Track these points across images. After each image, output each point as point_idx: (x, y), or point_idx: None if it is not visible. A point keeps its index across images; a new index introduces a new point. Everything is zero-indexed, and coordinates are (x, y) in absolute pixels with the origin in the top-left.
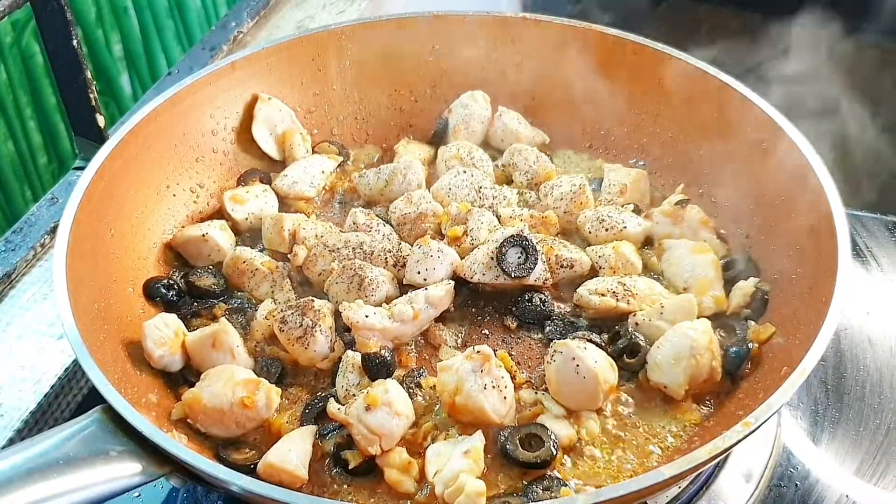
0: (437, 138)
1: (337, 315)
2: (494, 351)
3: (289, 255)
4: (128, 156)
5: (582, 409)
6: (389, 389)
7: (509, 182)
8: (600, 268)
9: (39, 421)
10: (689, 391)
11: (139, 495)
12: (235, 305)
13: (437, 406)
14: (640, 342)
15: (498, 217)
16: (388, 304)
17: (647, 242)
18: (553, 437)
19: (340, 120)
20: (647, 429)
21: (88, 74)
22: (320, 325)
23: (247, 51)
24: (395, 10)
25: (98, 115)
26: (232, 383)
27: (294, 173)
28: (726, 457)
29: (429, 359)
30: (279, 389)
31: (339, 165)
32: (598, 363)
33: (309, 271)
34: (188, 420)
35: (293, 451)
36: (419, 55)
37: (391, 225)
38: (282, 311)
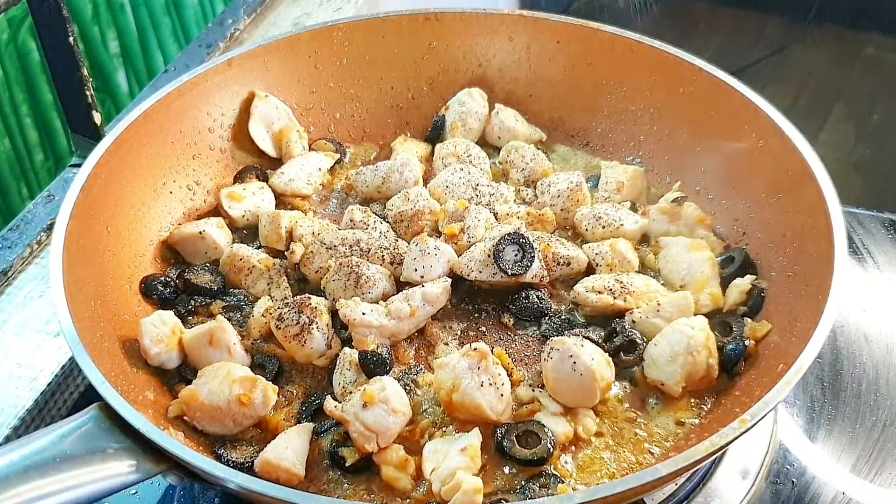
0: (434, 135)
1: (334, 312)
2: (491, 348)
3: (286, 253)
4: (124, 153)
5: (579, 406)
6: (386, 387)
7: (506, 179)
8: (597, 265)
9: (36, 418)
10: (685, 388)
11: (136, 493)
12: (232, 303)
13: (435, 403)
14: (637, 339)
15: (495, 214)
16: (384, 301)
17: (644, 240)
18: (550, 434)
19: (337, 117)
20: (644, 426)
21: (85, 71)
22: (317, 323)
23: (243, 48)
24: (391, 8)
25: (94, 113)
26: (229, 381)
27: (291, 170)
28: (723, 454)
29: (426, 356)
30: (276, 387)
31: (336, 163)
32: (595, 360)
33: (306, 268)
34: (185, 417)
35: (290, 448)
36: (416, 52)
37: (388, 222)
38: (279, 308)
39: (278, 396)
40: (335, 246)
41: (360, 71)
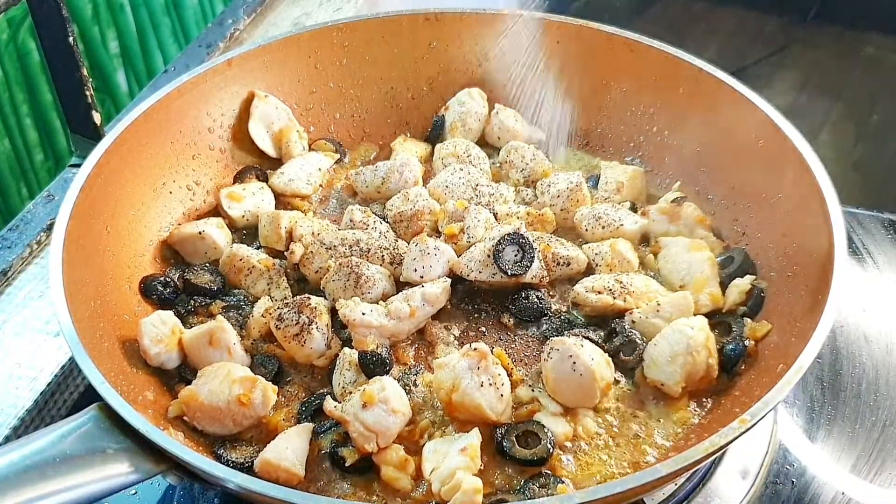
0: (434, 136)
1: (333, 312)
2: (491, 348)
3: (285, 253)
4: (124, 153)
5: (578, 406)
6: (386, 387)
7: (506, 179)
8: (597, 265)
9: (36, 419)
10: (685, 388)
11: (136, 493)
12: (232, 303)
13: (434, 403)
14: (637, 339)
15: (494, 214)
16: (384, 301)
17: (644, 240)
18: (549, 434)
19: (337, 117)
20: (644, 426)
21: (84, 72)
22: (317, 323)
23: (243, 48)
24: (391, 8)
25: (94, 113)
26: (229, 381)
27: (291, 171)
28: (723, 454)
29: (425, 356)
30: (276, 387)
31: (335, 163)
32: (595, 360)
33: (305, 269)
34: (185, 418)
35: (290, 448)
36: (416, 52)
37: (388, 222)
38: (278, 308)
39: (278, 396)
40: (335, 246)
41: (359, 71)
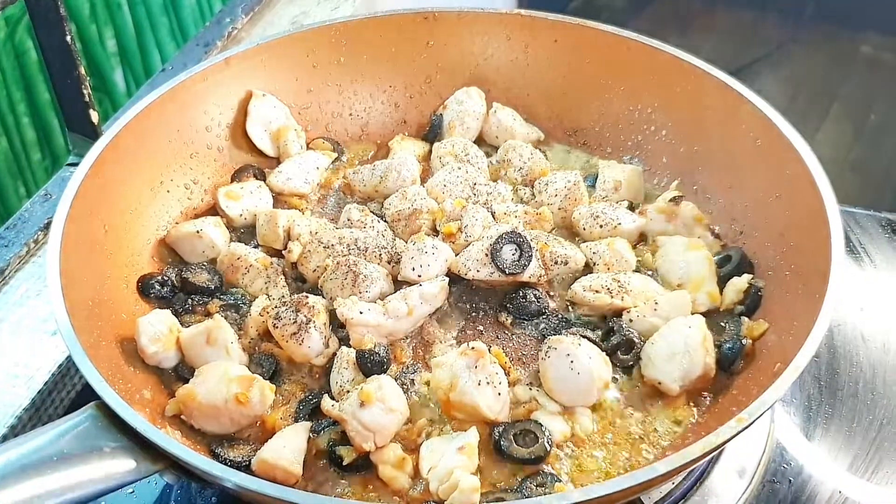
0: (432, 135)
1: (332, 311)
2: (489, 347)
3: (283, 252)
4: (121, 152)
5: (576, 405)
6: (383, 386)
7: (504, 178)
8: (594, 264)
9: (33, 417)
10: (683, 387)
11: (133, 492)
12: (230, 302)
13: (432, 402)
14: (635, 338)
15: (492, 213)
16: (382, 300)
17: (642, 239)
18: (547, 433)
19: (335, 116)
20: (641, 425)
21: (82, 70)
22: (314, 322)
23: (241, 47)
24: (389, 6)
25: (92, 111)
26: (226, 380)
27: (288, 170)
28: (720, 453)
29: (423, 355)
30: (273, 386)
31: (333, 162)
32: (592, 359)
33: (303, 267)
34: (182, 416)
35: (287, 447)
36: (414, 51)
37: (386, 221)
38: (276, 307)
39: (276, 395)
40: (333, 245)
41: (357, 70)
